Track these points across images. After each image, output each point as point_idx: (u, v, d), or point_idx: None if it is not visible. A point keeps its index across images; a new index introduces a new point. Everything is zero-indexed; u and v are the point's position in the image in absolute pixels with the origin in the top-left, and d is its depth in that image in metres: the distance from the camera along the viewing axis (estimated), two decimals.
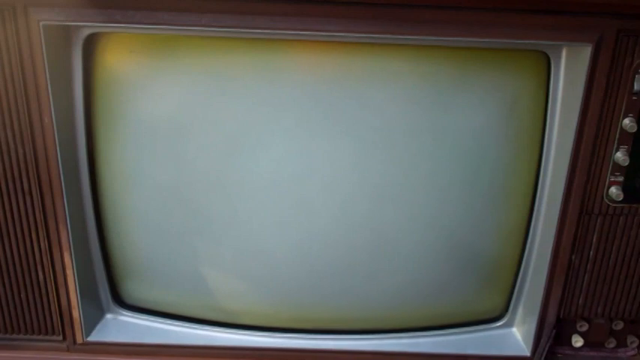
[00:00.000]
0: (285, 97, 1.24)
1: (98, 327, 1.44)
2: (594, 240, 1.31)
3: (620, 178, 1.25)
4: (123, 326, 1.45)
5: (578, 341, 1.42)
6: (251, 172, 1.30)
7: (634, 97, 1.18)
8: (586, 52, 1.15)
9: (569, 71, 1.19)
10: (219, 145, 1.28)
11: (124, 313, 1.45)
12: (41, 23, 1.13)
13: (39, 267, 1.32)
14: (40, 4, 1.12)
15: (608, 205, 1.27)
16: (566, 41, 1.16)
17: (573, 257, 1.32)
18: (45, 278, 1.33)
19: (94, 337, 1.42)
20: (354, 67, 1.22)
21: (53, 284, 1.34)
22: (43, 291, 1.35)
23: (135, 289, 1.44)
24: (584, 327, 1.41)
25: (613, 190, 1.25)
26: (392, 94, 1.24)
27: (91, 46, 1.21)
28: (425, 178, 1.31)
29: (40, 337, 1.41)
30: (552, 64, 1.21)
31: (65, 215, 1.28)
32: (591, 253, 1.32)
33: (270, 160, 1.29)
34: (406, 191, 1.32)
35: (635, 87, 1.17)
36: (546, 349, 1.40)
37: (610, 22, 1.13)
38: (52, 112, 1.20)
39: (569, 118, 1.21)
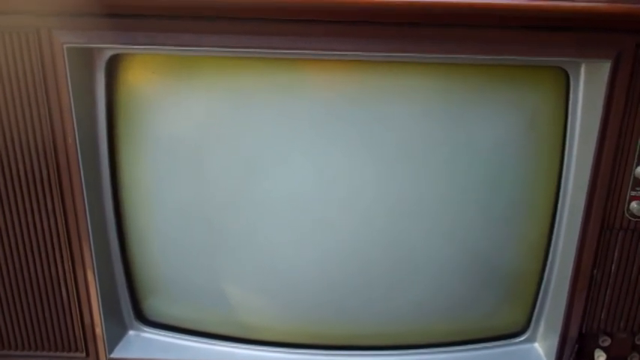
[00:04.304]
0: (303, 115, 1.25)
1: (121, 344, 1.45)
2: (616, 254, 1.30)
3: None
4: (145, 342, 1.46)
5: (600, 356, 1.41)
6: (270, 189, 1.31)
7: None
8: (605, 68, 1.15)
9: (589, 87, 1.19)
10: (239, 163, 1.29)
11: (147, 329, 1.46)
12: (65, 46, 1.15)
13: (62, 285, 1.34)
14: (64, 27, 1.14)
15: (630, 219, 1.27)
16: (585, 58, 1.16)
17: (595, 272, 1.32)
18: (68, 296, 1.35)
19: (116, 354, 1.43)
20: (372, 84, 1.23)
21: (76, 302, 1.36)
22: (67, 309, 1.36)
23: (157, 305, 1.45)
24: (607, 342, 1.40)
25: (634, 205, 1.25)
26: (411, 111, 1.25)
27: (113, 66, 1.23)
28: (444, 193, 1.31)
29: (64, 353, 1.42)
30: (571, 80, 1.21)
31: (88, 234, 1.29)
32: (613, 267, 1.31)
33: (288, 177, 1.30)
34: (425, 206, 1.32)
35: None
36: None
37: (628, 39, 1.13)
38: (76, 133, 1.21)
39: (589, 134, 1.21)
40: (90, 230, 1.29)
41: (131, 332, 1.47)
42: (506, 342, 1.45)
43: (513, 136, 1.26)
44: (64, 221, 1.28)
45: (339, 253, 1.37)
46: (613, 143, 1.20)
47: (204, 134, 1.28)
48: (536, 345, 1.45)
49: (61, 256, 1.31)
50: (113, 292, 1.41)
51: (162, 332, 1.47)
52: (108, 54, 1.20)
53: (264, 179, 1.30)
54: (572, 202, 1.29)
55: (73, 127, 1.21)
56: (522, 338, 1.45)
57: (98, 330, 1.39)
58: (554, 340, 1.39)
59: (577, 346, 1.39)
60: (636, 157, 1.22)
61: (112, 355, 1.43)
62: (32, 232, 1.29)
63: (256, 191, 1.31)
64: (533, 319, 1.43)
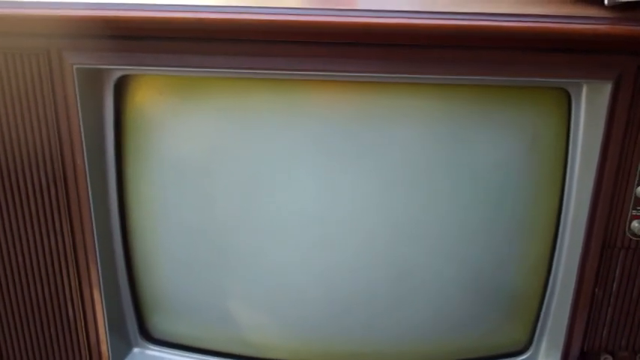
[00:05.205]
0: (308, 135, 1.27)
1: None
2: (617, 273, 1.31)
3: None
4: None
5: None
6: (275, 208, 1.32)
7: None
8: (606, 88, 1.16)
9: (590, 107, 1.21)
10: (244, 182, 1.30)
11: (151, 347, 1.47)
12: (75, 66, 1.17)
13: (69, 304, 1.34)
14: (74, 48, 1.16)
15: (631, 239, 1.28)
16: (587, 79, 1.17)
17: (596, 290, 1.33)
18: (75, 315, 1.35)
19: None
20: (375, 104, 1.24)
21: (82, 320, 1.36)
22: (73, 327, 1.37)
23: (162, 323, 1.46)
24: None
25: (635, 224, 1.26)
26: (414, 131, 1.26)
27: (122, 87, 1.24)
28: (446, 213, 1.32)
29: None
30: (573, 100, 1.22)
31: (95, 253, 1.30)
32: (614, 286, 1.32)
33: (293, 196, 1.31)
34: (428, 226, 1.33)
35: None
36: None
37: (629, 60, 1.14)
38: (84, 153, 1.22)
39: (591, 153, 1.23)
40: (97, 249, 1.30)
41: (136, 350, 1.47)
42: None
43: (515, 155, 1.28)
44: (71, 240, 1.29)
45: (342, 272, 1.37)
46: (614, 163, 1.22)
47: (209, 154, 1.29)
48: None
49: (68, 274, 1.32)
50: (119, 310, 1.41)
51: (167, 350, 1.47)
52: (117, 75, 1.22)
53: (269, 199, 1.31)
54: (574, 220, 1.30)
55: (82, 148, 1.22)
56: (524, 357, 1.45)
57: (103, 347, 1.40)
58: (557, 359, 1.40)
59: None
60: (637, 176, 1.23)
61: None
62: (40, 251, 1.30)
63: (261, 210, 1.32)
64: (535, 337, 1.43)
